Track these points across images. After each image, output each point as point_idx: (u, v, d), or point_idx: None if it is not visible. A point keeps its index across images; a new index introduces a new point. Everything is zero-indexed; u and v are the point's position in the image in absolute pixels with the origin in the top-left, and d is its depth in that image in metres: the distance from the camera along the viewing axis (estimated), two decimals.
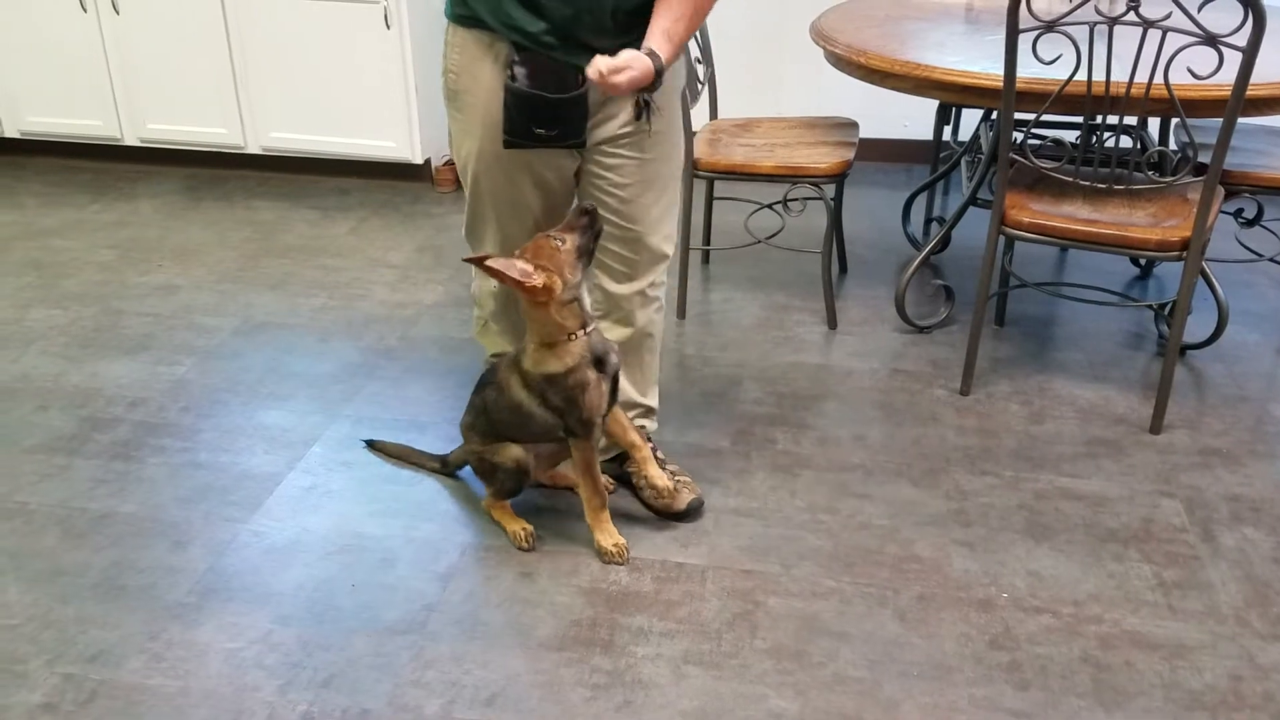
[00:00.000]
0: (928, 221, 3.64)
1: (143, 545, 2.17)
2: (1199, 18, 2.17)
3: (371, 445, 2.47)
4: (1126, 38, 2.27)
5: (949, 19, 3.05)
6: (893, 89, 2.67)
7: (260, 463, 2.43)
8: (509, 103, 1.90)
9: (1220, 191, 2.54)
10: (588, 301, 2.05)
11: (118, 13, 3.87)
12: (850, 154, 2.94)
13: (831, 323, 3.05)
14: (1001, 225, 2.55)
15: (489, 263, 1.89)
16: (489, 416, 2.15)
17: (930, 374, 2.81)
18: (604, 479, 2.22)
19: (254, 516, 2.26)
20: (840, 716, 1.79)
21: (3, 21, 3.97)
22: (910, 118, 4.05)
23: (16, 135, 4.19)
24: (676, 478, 2.27)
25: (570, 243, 1.94)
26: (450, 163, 3.76)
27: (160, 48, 3.91)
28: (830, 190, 3.00)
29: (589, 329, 2.02)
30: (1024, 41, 2.29)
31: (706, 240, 3.42)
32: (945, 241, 3.18)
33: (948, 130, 3.70)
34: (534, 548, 2.16)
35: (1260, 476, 2.40)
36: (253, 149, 4.06)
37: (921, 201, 3.68)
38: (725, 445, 2.50)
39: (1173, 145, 3.23)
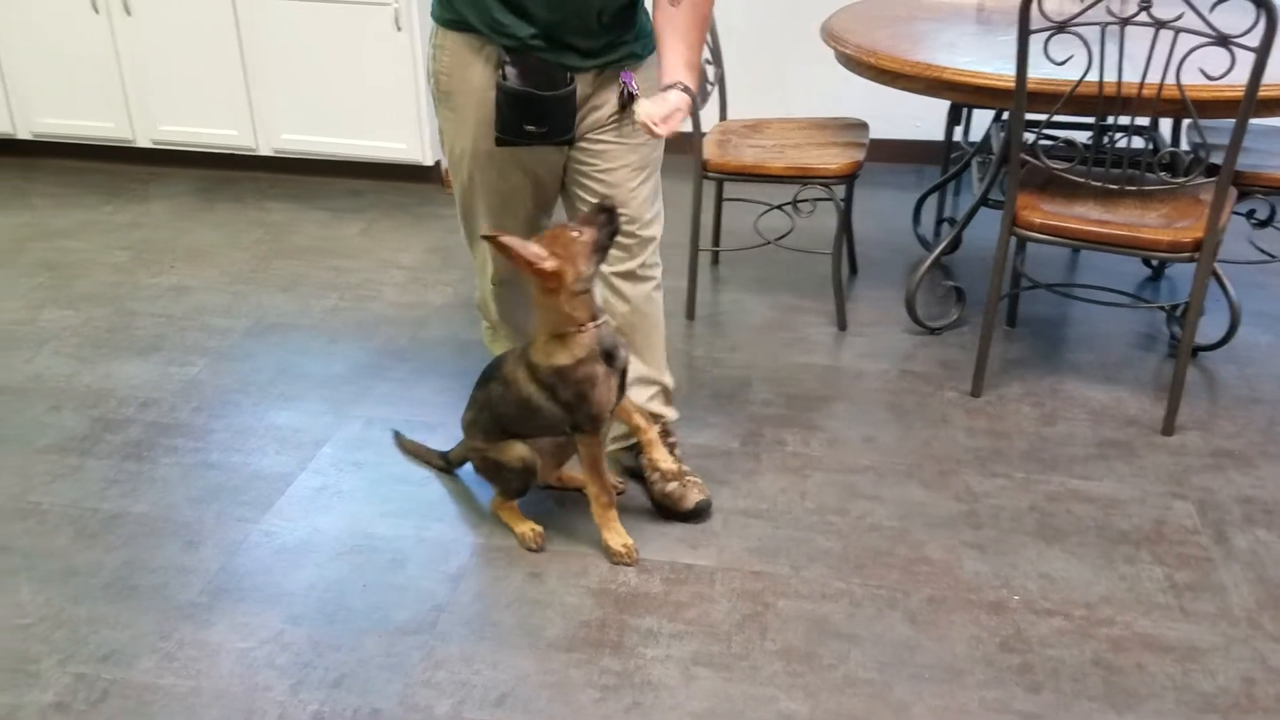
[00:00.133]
0: (938, 222, 3.63)
1: (155, 545, 2.18)
2: (1211, 18, 2.16)
3: (397, 437, 2.49)
4: (1138, 38, 2.27)
5: (960, 19, 3.05)
6: (903, 89, 2.67)
7: (272, 463, 2.44)
8: (501, 101, 1.97)
9: (1232, 192, 2.53)
10: (599, 296, 2.06)
11: (129, 14, 3.89)
12: (860, 155, 2.94)
13: (841, 324, 3.04)
14: (1013, 226, 2.55)
15: (504, 239, 1.91)
16: (493, 412, 2.14)
17: (941, 375, 2.80)
18: (613, 479, 2.22)
19: (265, 517, 2.26)
20: (850, 719, 1.78)
21: (14, 23, 3.99)
22: (921, 118, 4.04)
23: (29, 137, 4.21)
24: (686, 477, 2.27)
25: (587, 235, 1.96)
26: None
27: (172, 50, 3.92)
28: (840, 191, 3.00)
29: (599, 322, 2.02)
30: (1035, 42, 2.29)
31: (716, 241, 3.42)
32: (956, 242, 3.18)
33: (959, 131, 3.69)
34: (543, 548, 2.16)
35: (1273, 478, 2.38)
36: (264, 151, 4.07)
37: (932, 202, 3.67)
38: (735, 446, 2.50)
39: (1184, 146, 3.22)
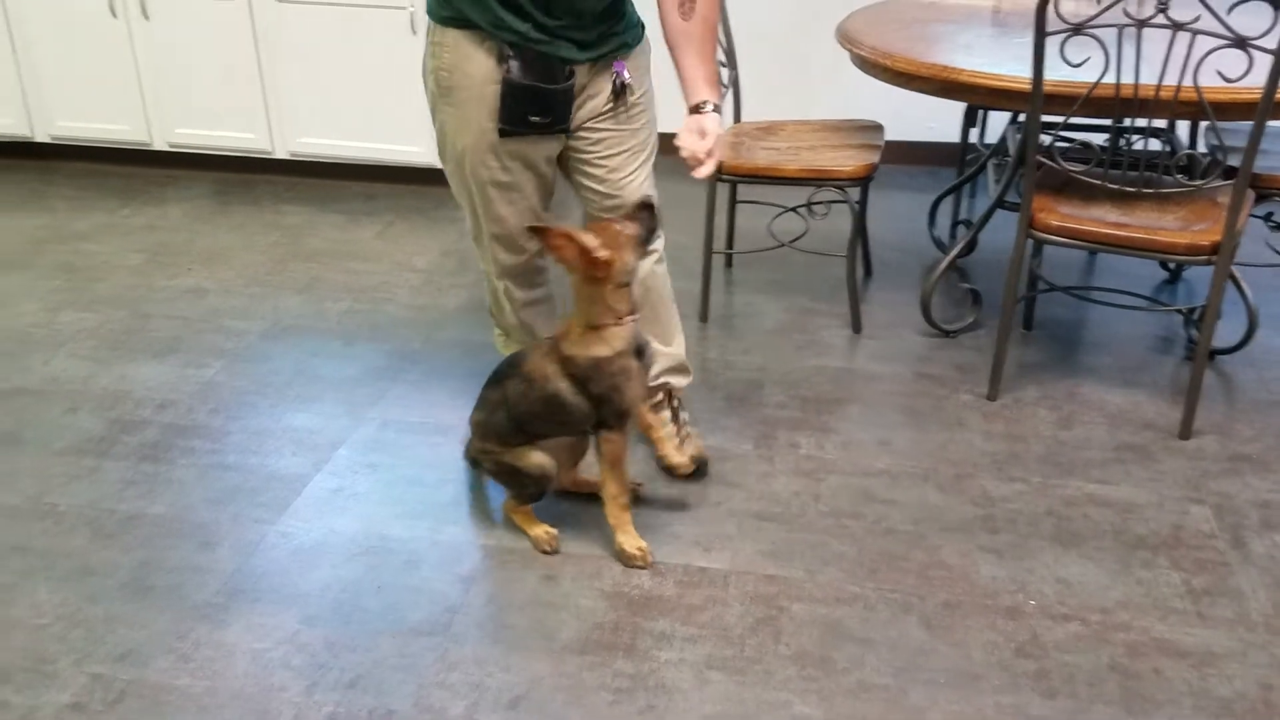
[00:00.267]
0: (954, 225, 3.62)
1: (171, 546, 2.19)
2: (1228, 20, 2.15)
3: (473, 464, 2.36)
4: (1155, 40, 2.25)
5: (976, 21, 3.04)
6: (918, 91, 2.66)
7: (288, 464, 2.45)
8: (505, 93, 2.05)
9: (1250, 195, 2.51)
10: (636, 291, 2.10)
11: (147, 18, 3.91)
12: (875, 157, 2.93)
13: (856, 326, 3.04)
14: (1029, 228, 2.54)
15: (562, 229, 1.95)
16: (510, 411, 2.12)
17: (957, 379, 2.79)
18: (631, 481, 2.22)
19: (281, 518, 2.27)
20: None
21: (33, 27, 4.02)
22: (936, 120, 4.03)
23: (47, 140, 4.23)
24: (684, 428, 2.39)
25: (631, 229, 2.01)
26: None
27: (189, 53, 3.94)
28: (855, 193, 2.99)
29: (636, 317, 2.06)
30: (1052, 44, 2.28)
31: (729, 244, 3.42)
32: (972, 245, 3.17)
33: (974, 133, 3.68)
34: (557, 551, 2.17)
35: None
36: (280, 154, 4.09)
37: (947, 205, 3.66)
38: (748, 449, 2.50)
39: (1202, 148, 3.20)
